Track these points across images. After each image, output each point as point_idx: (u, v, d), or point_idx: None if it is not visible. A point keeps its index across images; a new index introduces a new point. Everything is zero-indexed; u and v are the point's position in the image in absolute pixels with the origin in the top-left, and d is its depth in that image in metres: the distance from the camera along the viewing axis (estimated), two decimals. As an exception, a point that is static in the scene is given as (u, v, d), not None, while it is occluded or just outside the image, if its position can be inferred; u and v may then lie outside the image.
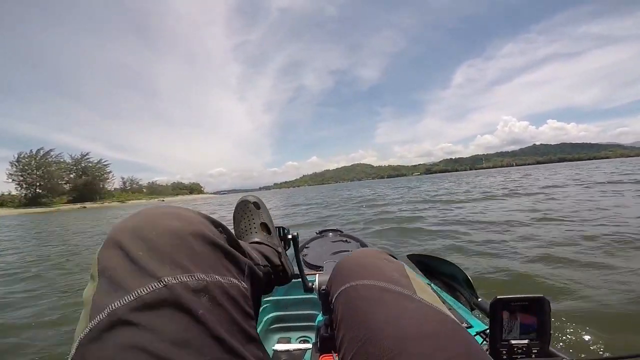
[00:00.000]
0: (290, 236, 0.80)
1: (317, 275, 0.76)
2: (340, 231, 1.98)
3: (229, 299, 0.33)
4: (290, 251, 0.86)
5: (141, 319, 0.26)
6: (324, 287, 0.70)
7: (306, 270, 1.19)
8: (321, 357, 0.75)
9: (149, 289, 0.28)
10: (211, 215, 0.39)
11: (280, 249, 0.70)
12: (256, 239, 0.70)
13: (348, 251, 1.43)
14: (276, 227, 0.79)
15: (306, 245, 1.74)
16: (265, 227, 0.73)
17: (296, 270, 0.82)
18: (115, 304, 0.27)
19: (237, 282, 0.35)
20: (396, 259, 0.53)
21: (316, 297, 0.75)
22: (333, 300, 0.48)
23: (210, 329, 0.28)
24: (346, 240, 1.73)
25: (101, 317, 0.26)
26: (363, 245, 1.67)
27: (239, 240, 0.43)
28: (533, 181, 14.83)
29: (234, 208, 0.78)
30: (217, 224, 0.39)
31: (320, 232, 1.98)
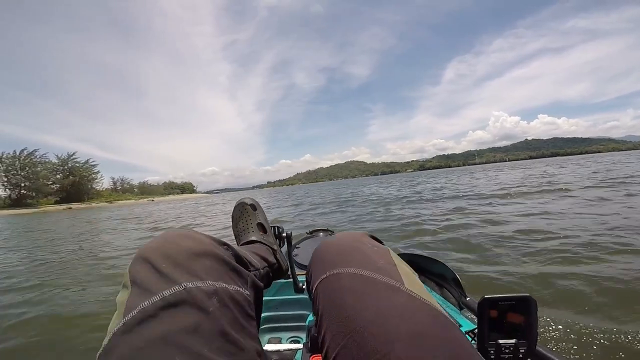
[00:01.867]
0: (284, 234, 0.86)
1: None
2: (331, 231, 1.92)
3: (234, 302, 0.40)
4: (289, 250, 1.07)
5: (164, 315, 0.34)
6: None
7: (297, 271, 1.20)
8: (312, 357, 0.75)
9: (172, 291, 0.36)
10: (217, 236, 0.48)
11: (275, 247, 0.76)
12: (253, 238, 0.78)
13: None
14: (271, 226, 0.85)
15: (297, 246, 1.68)
16: (261, 227, 0.79)
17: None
18: (145, 303, 0.35)
19: (241, 290, 0.42)
20: (382, 243, 0.52)
21: (307, 297, 0.76)
22: (313, 290, 0.47)
23: (218, 324, 0.36)
24: None
25: (133, 314, 0.34)
26: None
27: (242, 252, 0.51)
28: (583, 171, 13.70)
29: (232, 209, 0.85)
30: (222, 244, 0.47)
31: (311, 232, 1.94)
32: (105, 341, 0.34)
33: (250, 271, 0.50)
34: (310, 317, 0.86)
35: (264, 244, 0.75)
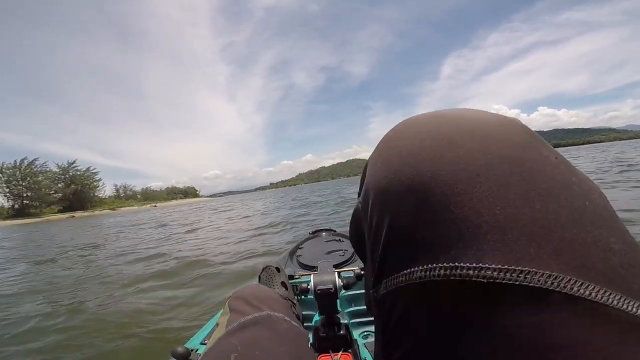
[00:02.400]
0: (299, 290, 0.91)
1: (312, 275, 0.82)
2: (334, 230, 1.90)
3: (297, 332, 0.55)
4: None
5: (254, 327, 0.49)
6: (319, 287, 0.77)
7: (301, 271, 1.24)
8: (319, 357, 0.76)
9: (259, 314, 0.52)
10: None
11: (294, 301, 0.82)
12: (278, 294, 0.91)
13: (342, 250, 1.44)
14: (268, 267, 0.94)
15: (300, 246, 1.68)
16: (284, 285, 0.86)
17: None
18: (242, 319, 0.50)
19: (299, 327, 0.58)
20: None
21: (312, 297, 0.80)
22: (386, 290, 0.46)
23: (285, 339, 0.50)
24: (340, 240, 1.64)
25: (233, 326, 0.49)
26: None
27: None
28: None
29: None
30: (284, 297, 0.68)
31: (314, 232, 1.92)
32: (210, 344, 0.48)
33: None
34: (317, 317, 0.88)
35: (285, 299, 0.81)
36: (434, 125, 0.23)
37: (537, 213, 0.18)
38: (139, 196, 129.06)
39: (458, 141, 0.21)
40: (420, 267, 0.20)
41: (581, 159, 16.38)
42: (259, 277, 0.92)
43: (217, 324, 0.57)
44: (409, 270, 0.21)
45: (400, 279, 0.22)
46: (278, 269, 0.91)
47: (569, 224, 0.18)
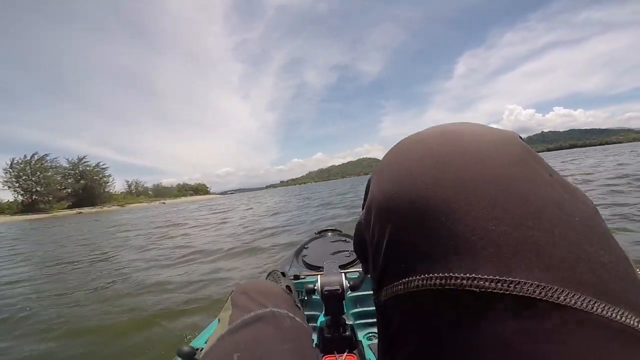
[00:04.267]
0: (305, 290, 0.89)
1: (318, 276, 0.82)
2: (339, 231, 1.91)
3: (301, 327, 0.53)
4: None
5: (257, 324, 0.47)
6: (326, 288, 0.77)
7: (307, 271, 1.26)
8: (324, 357, 0.76)
9: (262, 311, 0.49)
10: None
11: (299, 304, 0.77)
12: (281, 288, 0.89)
13: (347, 251, 1.45)
14: (274, 271, 0.89)
15: (305, 246, 1.68)
16: (288, 288, 0.83)
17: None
18: (245, 316, 0.48)
19: (303, 323, 0.56)
20: None
21: (318, 298, 0.80)
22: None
23: (288, 337, 0.47)
24: (345, 240, 1.64)
25: (236, 323, 0.47)
26: None
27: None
28: None
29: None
30: (289, 290, 0.64)
31: (319, 232, 1.91)
32: (212, 342, 0.46)
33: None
34: (322, 318, 0.87)
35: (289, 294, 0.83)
36: (434, 144, 0.25)
37: (529, 230, 0.19)
38: (150, 192, 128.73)
39: (456, 161, 0.23)
40: (418, 277, 0.22)
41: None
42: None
43: (218, 320, 0.54)
44: (407, 279, 0.23)
45: (399, 287, 0.23)
46: (283, 274, 0.86)
47: (559, 239, 0.19)
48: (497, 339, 0.18)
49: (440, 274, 0.20)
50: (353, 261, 1.33)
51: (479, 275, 0.19)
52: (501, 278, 0.18)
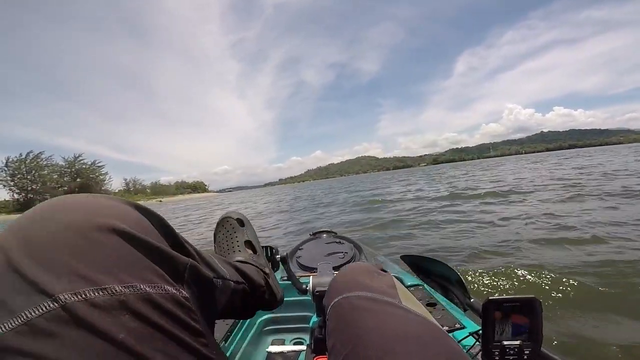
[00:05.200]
0: (279, 257, 0.80)
1: (311, 277, 0.80)
2: (334, 232, 1.88)
3: (163, 313, 0.26)
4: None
5: (34, 349, 0.20)
6: (318, 288, 0.74)
7: (300, 272, 1.29)
8: (315, 358, 0.77)
9: (41, 310, 0.21)
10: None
11: (267, 270, 0.66)
12: (239, 258, 0.63)
13: (342, 252, 1.45)
14: (263, 247, 0.76)
15: (300, 247, 1.67)
16: (250, 245, 0.68)
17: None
18: None
19: (172, 290, 0.28)
20: (387, 272, 0.56)
21: (310, 298, 0.78)
22: (327, 311, 0.48)
23: (124, 348, 0.22)
24: (340, 242, 1.65)
25: None
26: (357, 246, 1.60)
27: (186, 241, 0.36)
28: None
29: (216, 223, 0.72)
30: (147, 213, 0.32)
31: (314, 234, 1.89)
32: None
33: (213, 278, 0.39)
34: (314, 319, 0.87)
35: (253, 265, 0.62)
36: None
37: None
38: (148, 190, 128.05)
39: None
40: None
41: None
42: (214, 235, 0.71)
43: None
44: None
45: None
46: (241, 221, 0.71)
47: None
48: None
49: None
50: (347, 262, 1.33)
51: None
52: None
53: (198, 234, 7.19)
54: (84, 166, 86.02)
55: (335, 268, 1.07)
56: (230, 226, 0.69)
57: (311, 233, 1.92)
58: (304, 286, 0.80)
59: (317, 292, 0.74)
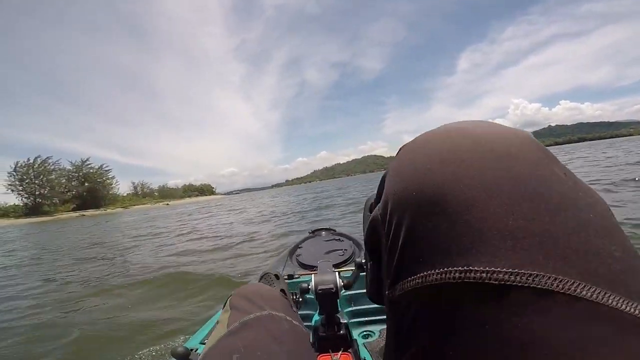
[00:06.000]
0: (298, 294, 0.88)
1: (312, 275, 0.83)
2: (333, 230, 1.91)
3: (299, 330, 0.55)
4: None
5: (253, 327, 0.49)
6: (319, 287, 0.77)
7: (300, 271, 1.29)
8: (319, 357, 0.77)
9: (261, 313, 0.52)
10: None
11: (294, 309, 0.79)
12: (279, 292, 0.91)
13: (341, 250, 1.47)
14: (267, 274, 0.92)
15: (299, 246, 1.69)
16: (283, 292, 0.82)
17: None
18: (244, 318, 0.50)
19: (301, 326, 0.58)
20: None
21: (312, 297, 0.80)
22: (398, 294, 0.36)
23: (286, 339, 0.48)
24: (339, 239, 1.66)
25: (236, 325, 0.49)
26: (356, 243, 1.60)
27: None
28: None
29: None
30: (285, 295, 0.68)
31: (313, 232, 1.91)
32: (211, 343, 0.48)
33: None
34: (316, 317, 0.88)
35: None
36: (454, 139, 0.25)
37: (546, 225, 0.19)
38: (156, 193, 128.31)
39: (476, 158, 0.23)
40: (436, 271, 0.21)
41: None
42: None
43: (217, 322, 0.56)
44: (425, 273, 0.22)
45: (417, 281, 0.22)
46: (277, 276, 0.87)
47: (574, 234, 0.19)
48: (516, 331, 0.18)
49: (459, 268, 0.20)
50: (347, 260, 1.34)
51: (498, 269, 0.19)
52: (520, 271, 0.18)
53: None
54: (91, 170, 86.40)
55: (336, 266, 1.09)
56: (270, 279, 0.87)
57: (310, 231, 1.92)
58: (305, 285, 0.82)
59: (320, 290, 0.76)
